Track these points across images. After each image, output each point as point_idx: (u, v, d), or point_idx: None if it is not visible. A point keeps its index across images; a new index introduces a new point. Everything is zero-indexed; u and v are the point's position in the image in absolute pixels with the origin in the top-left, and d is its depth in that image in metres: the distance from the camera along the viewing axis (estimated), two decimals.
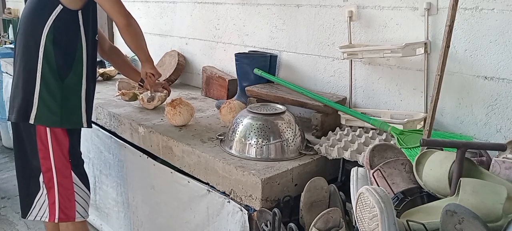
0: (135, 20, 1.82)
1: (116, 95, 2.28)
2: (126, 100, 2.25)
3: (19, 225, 2.75)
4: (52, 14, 1.67)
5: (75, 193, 1.83)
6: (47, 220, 1.83)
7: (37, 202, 1.82)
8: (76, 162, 1.85)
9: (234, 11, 2.44)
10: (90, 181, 2.48)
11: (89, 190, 1.92)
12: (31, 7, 1.73)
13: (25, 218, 1.87)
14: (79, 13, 1.72)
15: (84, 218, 1.89)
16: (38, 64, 1.70)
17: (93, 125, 2.32)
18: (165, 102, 2.17)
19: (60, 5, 1.67)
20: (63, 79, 1.73)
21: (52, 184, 1.79)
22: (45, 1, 1.69)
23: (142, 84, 2.15)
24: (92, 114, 1.92)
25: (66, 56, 1.73)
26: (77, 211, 1.85)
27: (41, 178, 1.79)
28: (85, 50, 1.77)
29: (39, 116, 1.72)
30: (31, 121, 1.72)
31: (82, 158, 1.91)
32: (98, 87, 2.64)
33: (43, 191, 1.80)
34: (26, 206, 1.86)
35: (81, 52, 1.76)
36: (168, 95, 2.23)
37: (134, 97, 2.25)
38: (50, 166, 1.77)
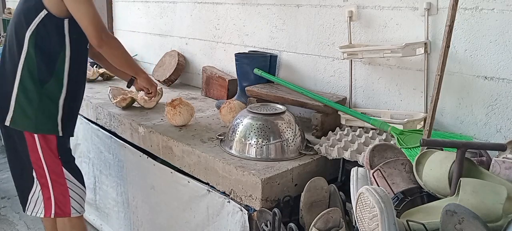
0: (112, 38, 1.76)
1: (114, 102, 2.20)
2: (124, 107, 2.18)
3: (19, 225, 2.75)
4: (36, 19, 1.64)
5: (69, 189, 1.82)
6: (42, 215, 1.83)
7: (31, 198, 1.82)
8: (66, 158, 1.82)
9: (234, 11, 2.44)
10: (90, 181, 2.49)
11: (84, 186, 1.90)
12: (20, 8, 1.71)
13: (25, 212, 1.87)
14: (66, 21, 1.68)
15: (79, 213, 1.88)
16: (18, 67, 1.68)
17: (93, 125, 2.33)
18: (162, 97, 2.15)
19: (44, 10, 1.64)
20: (43, 84, 1.70)
21: (45, 180, 1.78)
22: (32, 5, 1.66)
23: (132, 82, 2.08)
24: (74, 123, 1.89)
25: (48, 63, 1.70)
26: (72, 207, 1.84)
27: (34, 174, 1.78)
28: (68, 58, 1.72)
29: (14, 119, 1.71)
30: (7, 123, 1.72)
31: (73, 155, 1.91)
32: (98, 87, 2.64)
33: (37, 187, 1.80)
34: (23, 201, 1.86)
35: (63, 60, 1.72)
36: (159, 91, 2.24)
37: (132, 102, 2.21)
38: (40, 163, 1.76)
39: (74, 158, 1.90)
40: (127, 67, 1.92)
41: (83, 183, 1.90)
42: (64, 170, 1.80)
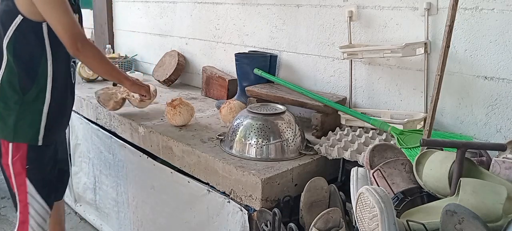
0: (89, 48, 1.62)
1: (108, 109, 2.11)
2: (117, 109, 2.12)
3: None
4: (12, 25, 1.54)
5: (29, 205, 1.67)
6: None
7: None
8: (35, 169, 1.66)
9: (234, 11, 2.44)
10: (90, 181, 2.49)
11: (49, 206, 1.73)
12: None
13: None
14: (44, 25, 1.57)
15: None
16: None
17: (93, 125, 2.33)
18: (161, 97, 2.06)
19: (20, 15, 1.53)
20: (25, 92, 1.60)
21: (14, 190, 1.67)
22: (8, 10, 1.55)
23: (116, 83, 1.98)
24: (62, 130, 1.81)
25: (29, 70, 1.60)
26: (30, 226, 1.68)
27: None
28: (51, 63, 1.61)
29: None
30: None
31: (54, 170, 1.75)
32: (98, 87, 2.63)
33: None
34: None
35: (45, 67, 1.61)
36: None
37: (124, 101, 2.14)
38: (10, 172, 1.65)
39: (52, 172, 1.75)
40: (108, 76, 1.86)
41: (48, 202, 1.73)
42: (27, 182, 1.65)
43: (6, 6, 1.56)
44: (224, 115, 1.93)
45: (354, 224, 1.22)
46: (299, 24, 2.11)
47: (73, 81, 1.79)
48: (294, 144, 1.60)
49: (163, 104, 2.18)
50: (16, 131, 1.62)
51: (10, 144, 1.63)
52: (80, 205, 2.72)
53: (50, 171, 1.74)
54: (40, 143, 1.65)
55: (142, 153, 1.98)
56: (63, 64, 1.67)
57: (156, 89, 2.20)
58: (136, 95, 2.04)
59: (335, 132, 1.77)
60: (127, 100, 2.15)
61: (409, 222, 1.04)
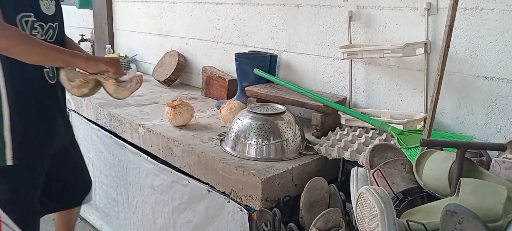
0: (2, 28, 1.28)
1: (70, 89, 1.56)
2: (86, 94, 1.57)
3: None
4: None
5: None
6: None
7: None
8: (8, 196, 1.46)
9: (234, 11, 2.44)
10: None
11: None
12: None
13: None
14: None
15: None
16: None
17: (93, 125, 2.33)
18: (139, 83, 1.65)
19: None
20: None
21: None
22: None
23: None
24: (46, 143, 1.57)
25: None
26: None
27: None
28: (1, 73, 1.38)
29: None
30: None
31: (38, 190, 1.54)
32: None
33: None
34: None
35: None
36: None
37: (97, 86, 1.58)
38: None
39: (36, 192, 1.56)
40: (46, 60, 1.44)
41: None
42: (2, 214, 1.43)
43: None
44: (224, 115, 1.93)
45: (354, 224, 1.22)
46: (299, 24, 2.11)
47: (53, 82, 1.54)
48: (294, 144, 1.60)
49: (163, 105, 2.18)
50: None
51: None
52: None
53: (35, 191, 1.53)
54: (9, 162, 1.42)
55: (142, 153, 1.98)
56: (26, 65, 1.38)
57: (141, 76, 1.67)
58: (111, 80, 1.54)
59: (335, 132, 1.77)
60: (100, 87, 1.60)
61: (409, 222, 1.04)
